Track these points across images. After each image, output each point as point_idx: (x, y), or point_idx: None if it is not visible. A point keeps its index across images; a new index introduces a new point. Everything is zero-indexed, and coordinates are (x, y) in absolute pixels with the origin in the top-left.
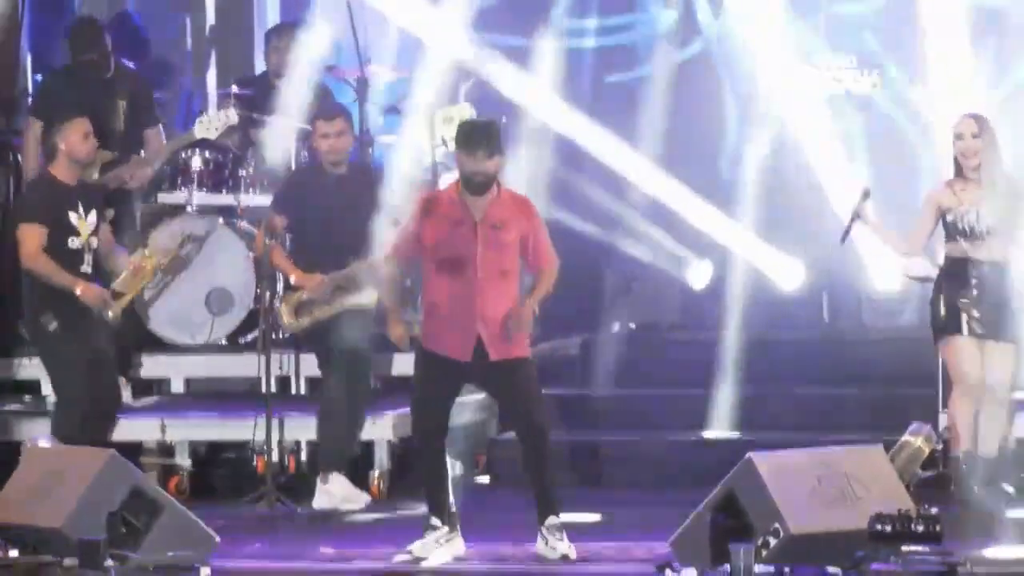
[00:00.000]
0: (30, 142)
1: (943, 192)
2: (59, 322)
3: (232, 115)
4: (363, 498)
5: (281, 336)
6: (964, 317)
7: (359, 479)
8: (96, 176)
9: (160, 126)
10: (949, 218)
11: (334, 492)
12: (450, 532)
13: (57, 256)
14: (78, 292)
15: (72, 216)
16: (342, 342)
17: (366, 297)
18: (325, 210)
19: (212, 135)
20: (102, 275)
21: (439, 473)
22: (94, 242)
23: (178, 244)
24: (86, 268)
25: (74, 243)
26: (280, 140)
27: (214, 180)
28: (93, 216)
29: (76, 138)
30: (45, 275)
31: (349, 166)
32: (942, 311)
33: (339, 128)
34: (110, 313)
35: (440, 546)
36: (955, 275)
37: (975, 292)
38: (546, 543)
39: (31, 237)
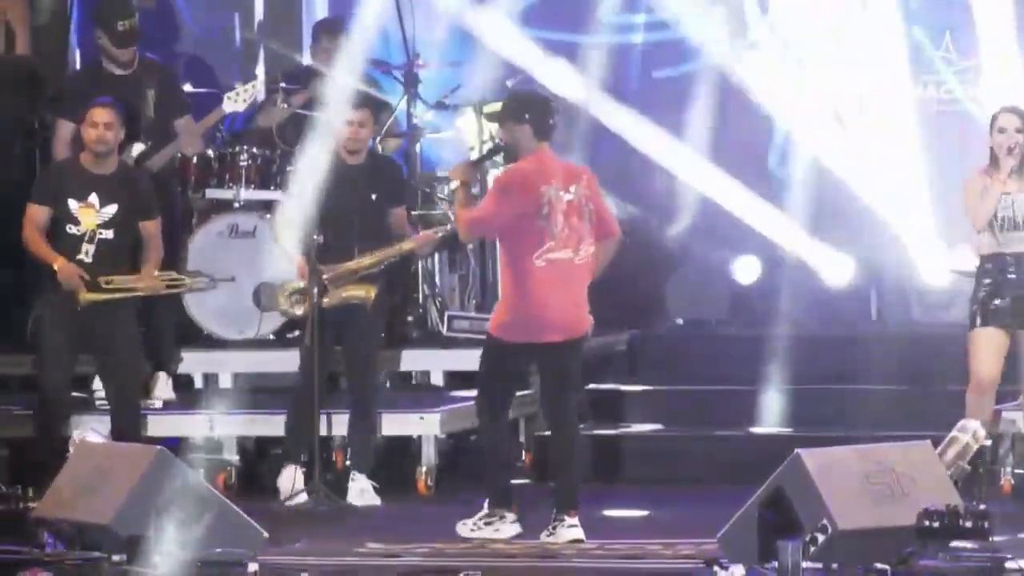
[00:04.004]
0: (59, 142)
1: (983, 180)
2: (42, 310)
3: (259, 87)
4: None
5: None
6: (990, 313)
7: (406, 475)
8: (133, 158)
9: (190, 115)
10: None
11: (365, 488)
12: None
13: (55, 239)
14: (56, 267)
15: (72, 203)
16: (356, 342)
17: (364, 290)
18: (338, 199)
19: (241, 107)
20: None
21: None
22: (103, 233)
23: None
24: (83, 257)
25: (71, 230)
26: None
27: (262, 176)
28: (111, 208)
29: (87, 124)
30: (31, 251)
31: (368, 157)
32: (972, 306)
33: (362, 118)
34: (80, 297)
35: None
36: (989, 269)
37: (1011, 285)
38: None
39: (28, 215)
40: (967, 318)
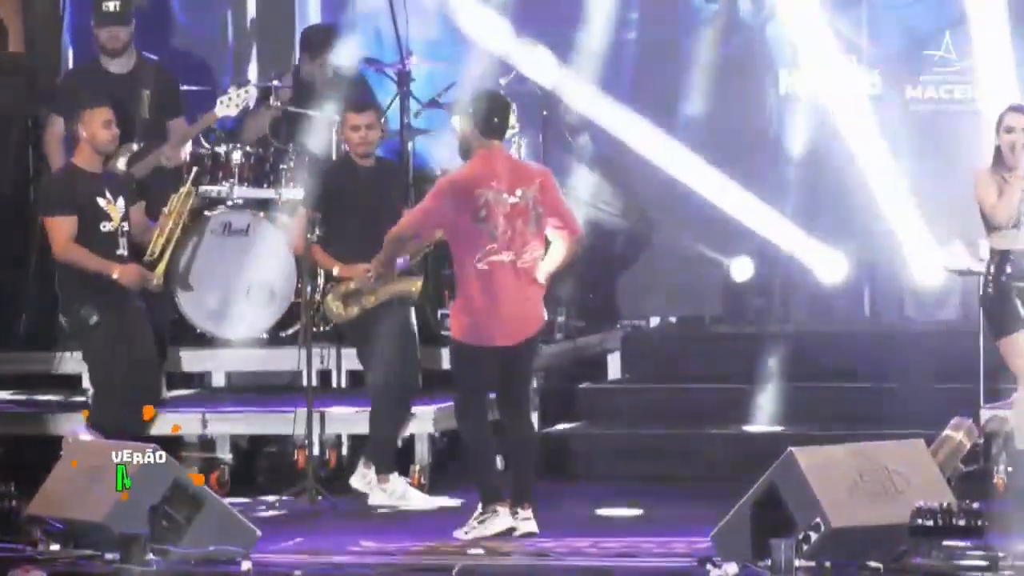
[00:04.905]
0: (52, 139)
1: (996, 178)
2: (99, 314)
3: (252, 92)
4: (419, 498)
5: (322, 329)
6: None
7: (400, 472)
8: (123, 166)
9: (183, 117)
10: None
11: (395, 491)
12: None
13: (92, 242)
14: (115, 275)
15: (101, 201)
16: (387, 334)
17: (409, 284)
18: (358, 202)
19: (233, 112)
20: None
21: None
22: (126, 226)
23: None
24: (122, 251)
25: (106, 227)
26: (320, 134)
27: (255, 174)
28: (121, 202)
29: (97, 126)
30: (80, 265)
31: (376, 159)
32: (1001, 307)
33: (369, 121)
34: (154, 282)
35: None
36: (1009, 268)
37: None
38: None
39: (58, 229)
40: (993, 317)
